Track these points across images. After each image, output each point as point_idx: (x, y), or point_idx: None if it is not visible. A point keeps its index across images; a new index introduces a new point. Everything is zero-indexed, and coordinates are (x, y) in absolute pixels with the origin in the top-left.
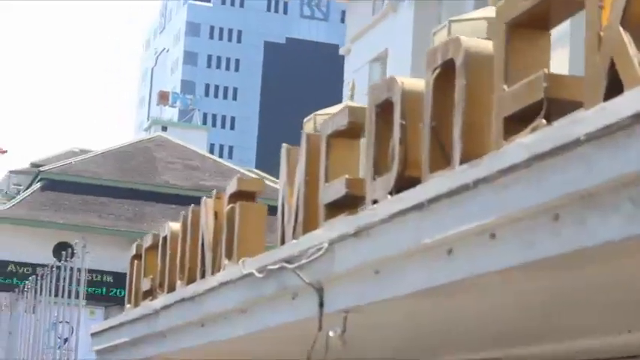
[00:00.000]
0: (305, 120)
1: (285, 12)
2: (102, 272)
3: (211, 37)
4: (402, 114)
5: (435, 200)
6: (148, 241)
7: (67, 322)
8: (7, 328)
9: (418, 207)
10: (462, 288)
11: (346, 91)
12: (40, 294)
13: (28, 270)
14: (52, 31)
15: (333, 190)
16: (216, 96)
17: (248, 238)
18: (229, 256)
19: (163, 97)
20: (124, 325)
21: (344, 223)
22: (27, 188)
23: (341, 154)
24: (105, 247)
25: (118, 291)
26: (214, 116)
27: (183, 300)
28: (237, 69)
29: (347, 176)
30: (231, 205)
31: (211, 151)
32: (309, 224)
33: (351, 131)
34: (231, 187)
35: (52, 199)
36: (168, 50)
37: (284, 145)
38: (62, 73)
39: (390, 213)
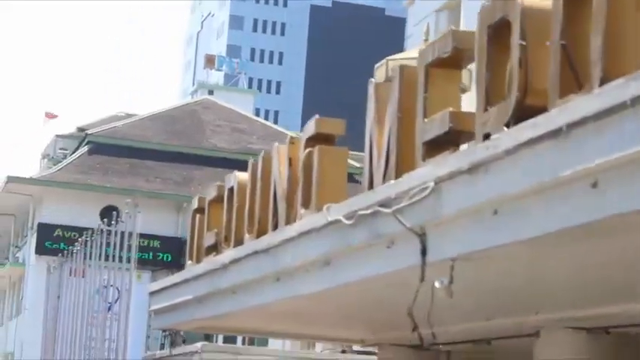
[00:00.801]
0: (376, 66)
1: None
2: (149, 236)
3: (257, 0)
4: (523, 34)
5: (578, 125)
6: (211, 194)
7: (112, 286)
8: (56, 291)
9: (554, 134)
10: (607, 228)
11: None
12: (86, 258)
13: (75, 234)
14: None
15: (434, 125)
16: (262, 60)
17: (329, 185)
18: (306, 204)
19: (210, 61)
20: (187, 282)
21: (455, 159)
22: (73, 152)
23: (441, 86)
24: (152, 211)
25: (165, 256)
26: (260, 81)
27: (256, 253)
28: (282, 33)
29: (451, 109)
30: (308, 150)
31: (257, 116)
32: (404, 165)
33: (455, 59)
34: (309, 129)
35: (99, 162)
36: (213, 15)
37: (371, 80)
38: (106, 37)
39: (515, 143)
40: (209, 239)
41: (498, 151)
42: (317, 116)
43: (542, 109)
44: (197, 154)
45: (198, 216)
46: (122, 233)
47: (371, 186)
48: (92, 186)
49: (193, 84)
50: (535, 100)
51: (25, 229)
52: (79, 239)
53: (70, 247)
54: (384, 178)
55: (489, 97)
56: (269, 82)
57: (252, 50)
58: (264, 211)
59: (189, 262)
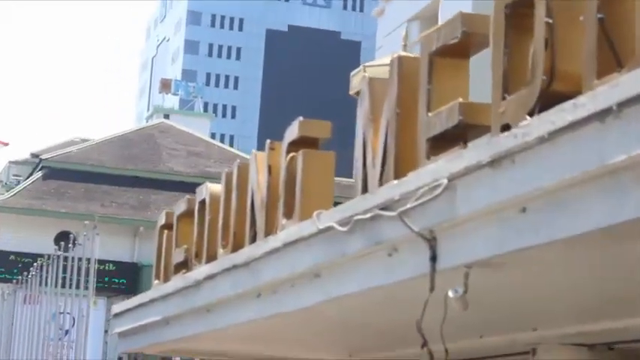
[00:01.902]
0: (352, 74)
1: None
2: (104, 262)
3: (212, 25)
4: (549, 10)
5: (632, 103)
6: (180, 208)
7: (68, 313)
8: (9, 319)
9: (601, 115)
10: None
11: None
12: (41, 285)
13: (29, 261)
14: (52, 23)
15: (441, 119)
16: (217, 85)
17: (314, 193)
18: (289, 214)
19: (165, 85)
20: (155, 302)
21: (473, 152)
22: (27, 178)
23: (448, 77)
24: (108, 236)
25: (121, 281)
26: (215, 105)
27: (234, 267)
28: (238, 57)
29: (461, 100)
30: (291, 155)
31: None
32: (405, 165)
33: (464, 45)
34: (291, 133)
35: (54, 187)
36: (169, 39)
37: (364, 75)
38: (61, 65)
39: (552, 129)
40: (178, 256)
41: (529, 139)
42: (301, 118)
43: (572, 94)
44: (153, 177)
45: (165, 232)
46: (79, 259)
47: (365, 190)
48: (47, 211)
49: (148, 109)
50: (564, 84)
51: None
52: (34, 265)
53: (25, 274)
54: (381, 180)
55: (507, 85)
56: (224, 107)
57: (208, 75)
58: (240, 223)
59: (155, 282)
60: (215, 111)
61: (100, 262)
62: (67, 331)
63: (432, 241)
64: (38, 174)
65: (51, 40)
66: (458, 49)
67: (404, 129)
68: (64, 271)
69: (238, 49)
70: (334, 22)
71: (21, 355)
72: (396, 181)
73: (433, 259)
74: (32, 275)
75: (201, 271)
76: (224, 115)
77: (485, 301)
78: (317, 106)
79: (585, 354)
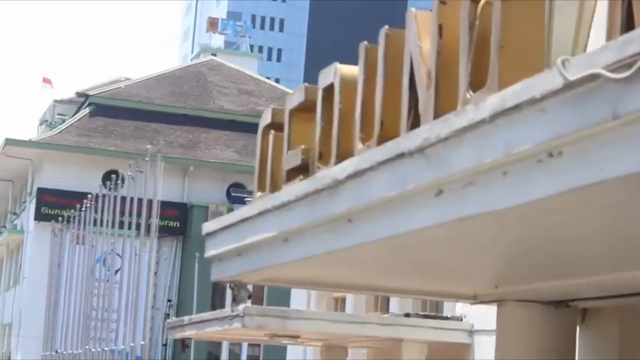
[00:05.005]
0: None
1: None
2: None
3: None
4: None
5: None
6: (294, 100)
7: (117, 254)
8: (57, 259)
9: None
10: None
11: None
12: (89, 224)
13: (76, 199)
14: None
15: None
16: (262, 27)
17: (522, 53)
18: (478, 84)
19: (212, 24)
20: (265, 215)
21: None
22: (73, 116)
23: None
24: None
25: (171, 222)
26: (260, 48)
27: (399, 157)
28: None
29: None
30: (484, 1)
31: None
32: None
33: None
34: None
35: (101, 125)
36: None
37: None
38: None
39: None
40: (292, 159)
41: None
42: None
43: None
44: (203, 116)
45: (272, 133)
46: (132, 198)
47: None
48: (94, 149)
49: (192, 51)
50: None
51: (23, 195)
52: (83, 203)
53: (73, 212)
54: None
55: None
56: (270, 49)
57: (253, 17)
58: (390, 108)
59: (258, 194)
60: (260, 53)
61: (149, 201)
62: (116, 271)
63: None
64: (85, 111)
65: None
66: None
67: None
68: (113, 210)
69: None
70: None
71: (70, 295)
72: None
73: None
74: (79, 214)
75: (339, 168)
76: (269, 58)
77: None
78: None
79: None
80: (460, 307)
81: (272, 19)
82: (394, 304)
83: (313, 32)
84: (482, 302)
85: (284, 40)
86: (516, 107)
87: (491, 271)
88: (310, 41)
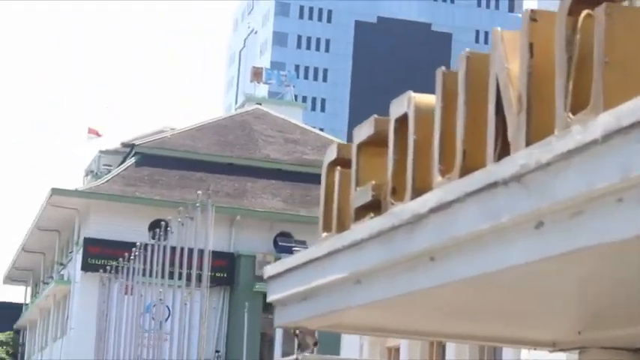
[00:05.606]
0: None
1: None
2: (200, 251)
3: (301, 16)
4: None
5: None
6: (363, 133)
7: (166, 305)
8: (104, 309)
9: None
10: None
11: None
12: (136, 274)
13: (122, 248)
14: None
15: None
16: (306, 77)
17: (629, 65)
18: (579, 103)
19: (257, 74)
20: (334, 256)
21: None
22: (119, 166)
23: None
24: (203, 225)
25: (219, 272)
26: (304, 97)
27: (490, 186)
28: (327, 49)
29: None
30: (586, 12)
31: None
32: None
33: None
34: None
35: (147, 174)
36: (257, 32)
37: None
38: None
39: None
40: (362, 197)
41: None
42: None
43: None
44: (250, 165)
45: (338, 169)
46: (182, 248)
47: None
48: (140, 198)
49: (237, 102)
50: None
51: (69, 245)
52: (130, 253)
53: (120, 261)
54: None
55: None
56: (314, 99)
57: (297, 67)
58: (473, 137)
59: (324, 235)
60: (304, 102)
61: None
62: (165, 320)
63: None
64: (131, 161)
65: (138, 33)
66: None
67: None
68: (163, 261)
69: (327, 41)
70: (424, 14)
71: (118, 346)
72: None
73: None
74: (127, 264)
75: (421, 201)
76: (313, 108)
77: None
78: None
79: None
80: (525, 354)
81: (315, 69)
82: (450, 350)
83: (356, 81)
84: (561, 349)
85: (327, 89)
86: (635, 125)
87: (577, 314)
88: (354, 90)
